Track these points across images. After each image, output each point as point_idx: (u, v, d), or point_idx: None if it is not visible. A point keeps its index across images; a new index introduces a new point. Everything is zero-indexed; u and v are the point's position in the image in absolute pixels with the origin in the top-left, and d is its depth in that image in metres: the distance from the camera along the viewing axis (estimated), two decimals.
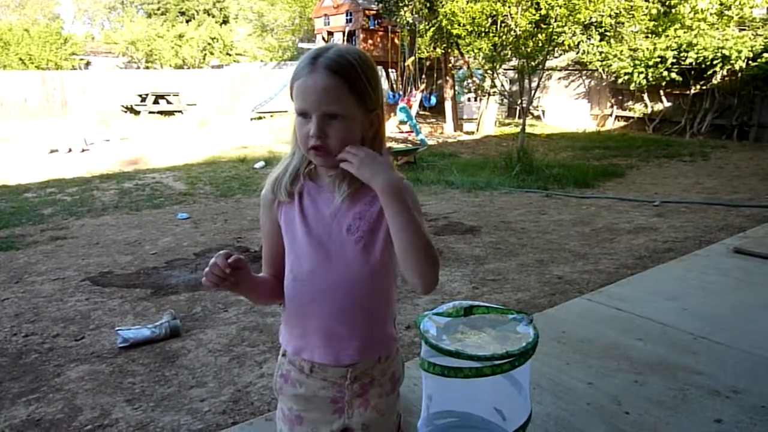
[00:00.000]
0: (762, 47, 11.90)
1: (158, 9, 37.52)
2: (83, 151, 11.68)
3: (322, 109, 1.14)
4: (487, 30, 11.08)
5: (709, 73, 12.60)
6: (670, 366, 2.63)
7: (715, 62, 12.30)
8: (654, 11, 12.56)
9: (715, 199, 6.84)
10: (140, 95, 18.48)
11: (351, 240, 1.22)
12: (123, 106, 18.77)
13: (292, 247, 1.26)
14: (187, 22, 36.22)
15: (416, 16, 13.77)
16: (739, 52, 11.95)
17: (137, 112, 18.04)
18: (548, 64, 12.68)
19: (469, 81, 15.83)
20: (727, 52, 12.06)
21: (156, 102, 18.35)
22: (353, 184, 1.21)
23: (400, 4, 13.80)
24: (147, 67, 31.58)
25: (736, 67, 12.15)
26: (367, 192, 1.20)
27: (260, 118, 17.54)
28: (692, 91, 13.28)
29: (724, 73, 12.56)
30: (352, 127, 1.18)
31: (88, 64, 31.87)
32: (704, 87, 13.10)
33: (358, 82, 1.16)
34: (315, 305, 1.24)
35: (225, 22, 37.98)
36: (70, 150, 11.56)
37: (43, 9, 37.83)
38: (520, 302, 3.73)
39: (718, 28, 13.11)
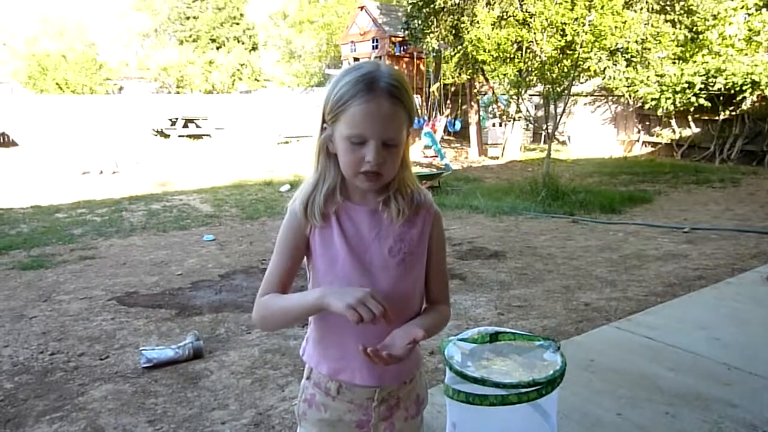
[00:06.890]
0: None
1: (190, 36, 38.56)
2: (114, 173, 11.96)
3: (384, 136, 1.13)
4: (512, 56, 11.11)
5: (738, 98, 12.42)
6: (702, 397, 2.54)
7: (744, 88, 12.12)
8: (681, 37, 12.48)
9: (747, 226, 6.67)
10: (170, 119, 18.90)
11: (393, 262, 1.21)
12: (154, 129, 19.22)
13: (331, 268, 1.22)
14: (218, 48, 37.15)
15: (442, 42, 13.90)
16: None
17: (167, 136, 18.44)
18: (574, 89, 12.64)
19: (494, 106, 15.85)
20: (756, 78, 11.89)
21: (185, 126, 18.74)
22: (408, 206, 1.22)
23: (426, 31, 13.96)
24: (177, 92, 32.41)
25: (766, 92, 11.96)
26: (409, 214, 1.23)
27: (287, 142, 17.78)
28: (721, 117, 13.08)
29: (754, 98, 12.37)
30: (402, 150, 1.18)
31: (121, 89, 32.89)
32: (734, 113, 12.91)
33: (411, 107, 1.17)
34: (356, 328, 1.21)
35: (254, 48, 38.88)
36: (101, 172, 11.86)
37: (80, 36, 39.09)
38: (546, 329, 3.66)
39: (746, 54, 12.95)
